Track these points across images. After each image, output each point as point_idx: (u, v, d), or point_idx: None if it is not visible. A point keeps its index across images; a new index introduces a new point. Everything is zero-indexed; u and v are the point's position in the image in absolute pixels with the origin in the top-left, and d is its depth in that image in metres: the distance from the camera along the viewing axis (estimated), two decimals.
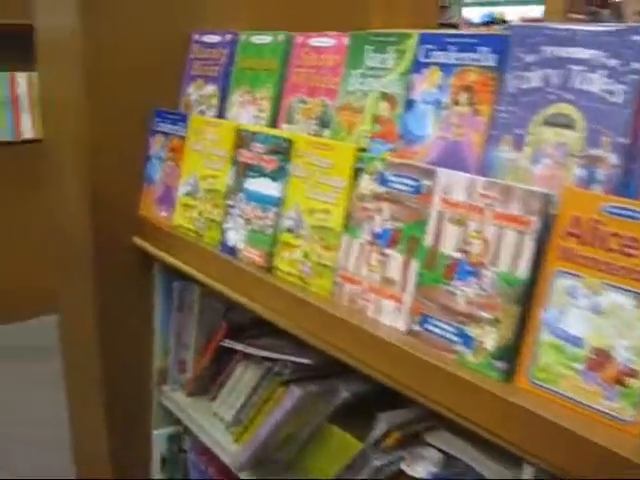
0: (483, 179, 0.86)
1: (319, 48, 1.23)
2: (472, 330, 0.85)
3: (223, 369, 1.47)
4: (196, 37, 1.53)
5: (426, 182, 0.92)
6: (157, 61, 1.52)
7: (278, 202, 1.17)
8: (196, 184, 1.38)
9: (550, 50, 0.88)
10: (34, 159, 3.13)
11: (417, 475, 1.01)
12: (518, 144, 0.90)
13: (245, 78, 1.38)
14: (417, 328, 0.92)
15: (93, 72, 1.47)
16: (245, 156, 1.25)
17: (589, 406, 0.73)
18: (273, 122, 1.30)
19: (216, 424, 1.47)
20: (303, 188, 1.12)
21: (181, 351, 1.57)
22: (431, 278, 0.90)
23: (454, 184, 0.89)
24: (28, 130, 3.71)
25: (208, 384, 1.53)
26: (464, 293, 0.86)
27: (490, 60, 0.95)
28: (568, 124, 0.85)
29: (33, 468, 2.47)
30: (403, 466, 1.04)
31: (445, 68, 1.01)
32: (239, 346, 1.39)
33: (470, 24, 6.58)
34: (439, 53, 1.02)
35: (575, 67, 0.84)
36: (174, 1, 1.55)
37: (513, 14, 6.32)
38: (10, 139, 3.67)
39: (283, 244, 1.15)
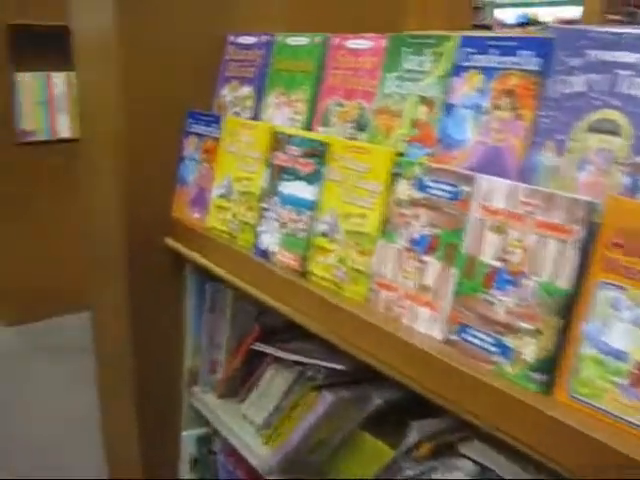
0: (525, 186, 0.84)
1: (356, 50, 1.22)
2: (511, 341, 0.83)
3: (254, 371, 1.46)
4: (231, 38, 1.53)
5: (465, 188, 0.91)
6: (191, 62, 1.52)
7: (313, 206, 1.16)
8: (230, 186, 1.37)
9: (595, 54, 0.86)
10: (70, 159, 3.18)
11: None
12: (560, 150, 0.88)
13: (281, 80, 1.38)
14: (454, 337, 0.90)
15: (129, 73, 1.48)
16: (280, 159, 1.24)
17: (631, 422, 0.71)
18: (309, 125, 1.29)
19: (245, 427, 1.46)
20: (339, 192, 1.11)
21: (212, 352, 1.57)
22: (469, 287, 0.89)
23: (494, 191, 0.87)
24: (64, 130, 3.75)
25: (238, 386, 1.52)
26: (503, 303, 0.84)
27: (532, 64, 0.93)
28: (613, 130, 0.82)
29: (66, 468, 2.49)
30: (435, 476, 1.02)
31: (486, 72, 0.99)
32: (270, 349, 1.38)
33: (503, 25, 6.51)
34: (480, 56, 1.00)
35: (622, 72, 0.82)
36: (209, 2, 1.54)
37: (547, 15, 6.24)
38: (47, 138, 3.71)
39: (318, 248, 1.14)
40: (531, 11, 6.46)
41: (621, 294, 0.73)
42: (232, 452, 1.54)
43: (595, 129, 0.84)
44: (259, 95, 1.42)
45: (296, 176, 1.20)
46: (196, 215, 1.47)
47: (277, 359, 1.38)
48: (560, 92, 0.89)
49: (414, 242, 0.97)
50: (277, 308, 1.19)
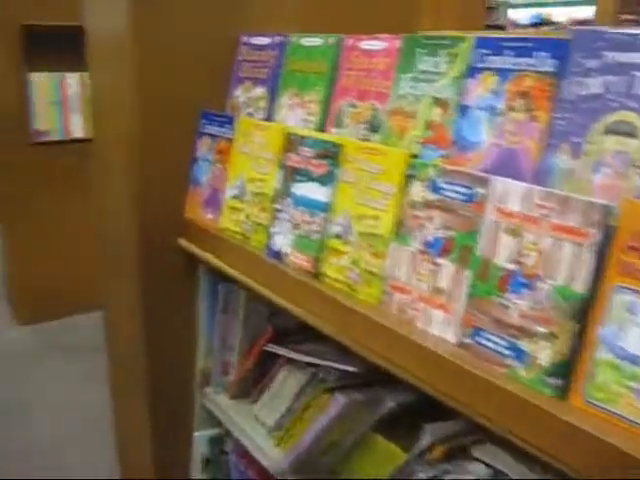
0: (540, 189, 0.83)
1: (370, 51, 1.22)
2: (525, 344, 0.82)
3: (266, 373, 1.46)
4: (244, 39, 1.53)
5: (480, 190, 0.90)
6: (205, 63, 1.52)
7: (326, 207, 1.15)
8: (243, 187, 1.37)
9: (612, 55, 0.85)
10: (83, 158, 3.19)
11: None
12: (576, 152, 0.87)
13: (294, 81, 1.37)
14: (468, 340, 0.89)
15: (142, 73, 1.48)
16: (293, 160, 1.24)
17: None
18: (322, 126, 1.29)
19: (257, 428, 1.46)
20: (352, 194, 1.11)
21: (225, 353, 1.57)
22: (483, 289, 0.88)
23: (509, 193, 0.86)
24: (78, 130, 3.77)
25: (250, 387, 1.52)
26: (518, 306, 0.84)
27: (548, 65, 0.92)
28: (631, 132, 0.81)
29: (78, 467, 2.50)
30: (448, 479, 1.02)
31: (500, 73, 0.98)
32: (283, 351, 1.38)
33: (517, 25, 6.48)
34: (494, 58, 0.99)
35: (639, 73, 0.81)
36: (223, 3, 1.54)
37: (560, 15, 6.21)
38: (60, 138, 3.73)
39: (331, 250, 1.13)
40: (545, 11, 6.43)
41: (637, 298, 0.73)
42: (244, 453, 1.54)
43: (612, 131, 0.84)
44: (272, 96, 1.42)
45: (309, 177, 1.20)
46: (209, 216, 1.47)
47: (290, 360, 1.38)
48: (576, 94, 0.88)
49: (428, 244, 0.97)
50: (290, 310, 1.19)
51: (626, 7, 4.95)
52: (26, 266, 3.71)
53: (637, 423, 0.71)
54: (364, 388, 1.20)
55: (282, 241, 1.24)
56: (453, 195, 0.94)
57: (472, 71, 1.02)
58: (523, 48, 0.96)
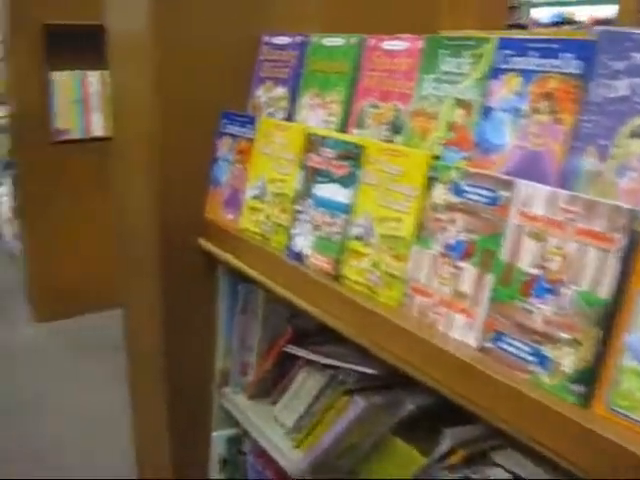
0: (565, 192, 0.82)
1: (392, 51, 1.21)
2: (549, 350, 0.81)
3: (285, 374, 1.46)
4: (266, 39, 1.52)
5: (503, 193, 0.89)
6: (226, 62, 1.52)
7: (347, 209, 1.15)
8: (264, 187, 1.37)
9: (639, 57, 0.83)
10: (103, 157, 3.21)
11: None
12: (602, 156, 0.85)
13: (315, 81, 1.37)
14: (489, 345, 0.88)
15: (163, 72, 1.48)
16: (314, 161, 1.24)
17: None
18: (343, 126, 1.28)
19: (276, 429, 1.46)
20: (373, 195, 1.10)
21: (244, 354, 1.57)
22: (506, 294, 0.87)
23: (534, 197, 0.85)
24: (98, 128, 3.78)
25: (269, 388, 1.52)
26: (541, 311, 0.82)
27: (573, 67, 0.91)
28: None
29: (96, 467, 2.50)
30: None
31: (525, 74, 0.97)
32: (302, 352, 1.38)
33: (539, 25, 6.43)
34: (519, 59, 0.98)
35: None
36: (244, 3, 1.54)
37: (582, 14, 6.15)
38: (81, 137, 3.75)
39: (352, 252, 1.13)
40: (567, 10, 6.37)
41: None
42: (261, 453, 1.54)
43: (638, 135, 0.82)
44: (293, 96, 1.42)
45: (330, 178, 1.19)
46: (229, 216, 1.47)
47: (309, 362, 1.37)
48: (603, 96, 0.86)
49: (450, 247, 0.96)
50: (310, 311, 1.18)
51: None
52: (46, 264, 3.73)
53: None
54: (383, 391, 1.19)
55: (303, 242, 1.23)
56: (476, 198, 0.93)
57: (496, 72, 1.01)
58: (548, 49, 0.94)
